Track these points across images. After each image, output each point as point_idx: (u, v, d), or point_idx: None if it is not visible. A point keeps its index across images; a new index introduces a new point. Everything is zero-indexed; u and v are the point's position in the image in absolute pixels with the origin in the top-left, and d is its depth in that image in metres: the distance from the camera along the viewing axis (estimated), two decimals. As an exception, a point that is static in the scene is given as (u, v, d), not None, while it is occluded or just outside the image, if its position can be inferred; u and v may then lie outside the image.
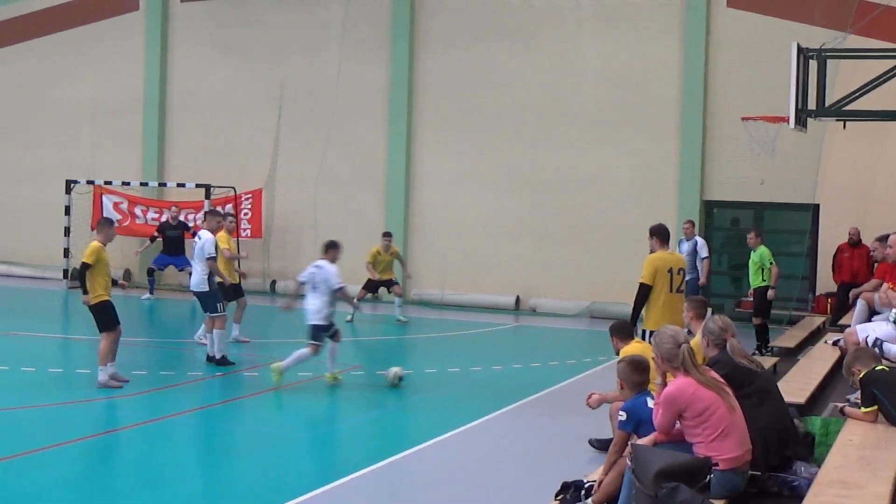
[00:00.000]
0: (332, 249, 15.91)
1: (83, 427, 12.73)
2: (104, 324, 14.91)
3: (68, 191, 28.95)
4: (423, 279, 26.82)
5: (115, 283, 15.53)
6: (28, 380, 15.55)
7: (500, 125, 26.16)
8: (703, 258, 21.19)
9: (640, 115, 25.00)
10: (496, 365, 18.05)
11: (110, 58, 30.80)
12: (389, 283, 23.76)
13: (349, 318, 22.23)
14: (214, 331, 16.98)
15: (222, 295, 17.80)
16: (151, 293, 26.57)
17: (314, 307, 15.74)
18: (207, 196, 27.59)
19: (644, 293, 13.39)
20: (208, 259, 16.89)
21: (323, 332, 15.63)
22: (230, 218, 20.72)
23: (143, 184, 29.24)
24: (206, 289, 16.94)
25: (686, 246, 21.29)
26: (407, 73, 26.94)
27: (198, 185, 27.83)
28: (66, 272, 28.93)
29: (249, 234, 28.25)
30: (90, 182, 29.41)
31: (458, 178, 26.57)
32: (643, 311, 13.51)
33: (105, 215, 29.00)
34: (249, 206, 28.17)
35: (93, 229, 29.12)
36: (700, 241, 21.50)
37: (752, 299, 19.77)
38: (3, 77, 32.53)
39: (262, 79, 28.78)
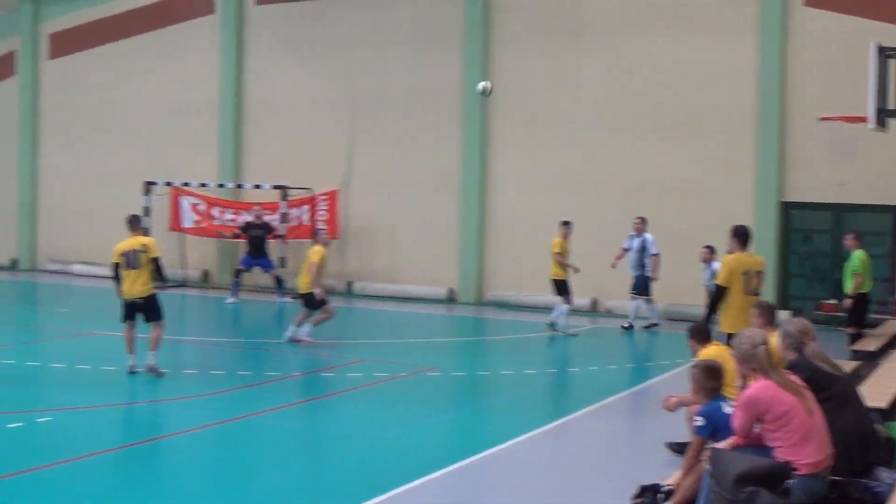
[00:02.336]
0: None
1: (161, 426, 12.87)
2: (160, 313, 16.18)
3: (147, 192, 29.31)
4: (498, 281, 26.78)
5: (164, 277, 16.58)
6: (109, 379, 15.77)
7: (575, 126, 26.03)
8: (652, 254, 22.42)
9: (715, 116, 24.74)
10: (572, 367, 17.99)
11: (187, 60, 31.15)
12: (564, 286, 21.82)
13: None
14: None
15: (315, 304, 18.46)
16: (235, 296, 26.54)
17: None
18: (284, 197, 27.77)
19: (719, 295, 13.29)
20: None
21: None
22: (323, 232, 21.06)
23: (220, 185, 29.52)
24: None
25: (635, 242, 22.51)
26: (480, 73, 26.87)
27: (274, 187, 28.03)
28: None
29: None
30: (168, 183, 29.75)
31: (533, 179, 26.48)
32: (719, 314, 13.40)
33: (183, 216, 29.41)
34: (326, 208, 28.29)
35: (172, 230, 29.70)
36: (649, 237, 22.55)
37: (836, 302, 19.70)
38: (83, 80, 33.05)
39: (336, 80, 28.91)
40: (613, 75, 25.67)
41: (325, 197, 28.31)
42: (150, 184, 29.42)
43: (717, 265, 21.19)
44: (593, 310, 25.53)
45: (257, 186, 28.58)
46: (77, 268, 32.37)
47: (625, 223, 25.01)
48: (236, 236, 27.18)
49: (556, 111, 26.22)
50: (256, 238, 26.78)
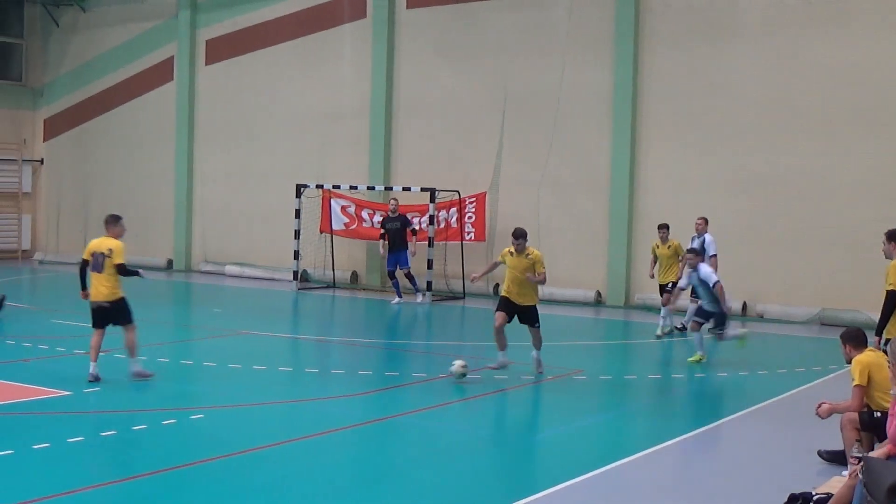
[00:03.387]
0: None
1: (310, 424, 13.03)
2: (130, 316, 15.38)
3: (298, 194, 29.76)
4: (646, 284, 26.46)
5: (136, 273, 15.68)
6: (260, 378, 16.05)
7: (727, 127, 25.60)
8: (710, 255, 21.09)
9: (872, 115, 24.04)
10: (722, 372, 17.71)
11: (339, 64, 31.57)
12: (665, 288, 21.69)
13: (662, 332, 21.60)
14: None
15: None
16: (399, 296, 26.78)
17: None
18: (432, 200, 27.90)
19: (894, 301, 12.90)
20: None
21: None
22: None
23: (370, 188, 29.80)
24: None
25: (695, 243, 21.34)
26: (631, 74, 26.62)
27: (423, 189, 28.19)
28: (295, 273, 29.78)
29: (473, 238, 28.45)
30: (319, 186, 30.18)
31: (683, 181, 26.12)
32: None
33: (333, 218, 29.74)
34: (473, 210, 28.35)
35: (322, 231, 30.13)
36: (709, 237, 21.44)
37: None
38: (238, 84, 33.73)
39: (485, 83, 28.96)
40: (766, 75, 25.18)
41: (472, 199, 28.38)
42: (301, 186, 29.87)
43: (708, 237, 21.25)
44: (744, 314, 25.07)
45: (406, 189, 28.77)
46: (230, 269, 33.04)
47: (777, 225, 24.61)
48: (382, 237, 27.26)
49: (706, 112, 25.83)
50: (392, 231, 26.92)
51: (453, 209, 28.49)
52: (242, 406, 14.09)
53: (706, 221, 21.92)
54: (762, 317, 24.84)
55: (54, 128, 38.93)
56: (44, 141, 39.18)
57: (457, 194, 28.41)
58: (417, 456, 11.82)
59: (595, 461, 11.36)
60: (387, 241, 26.96)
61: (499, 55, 28.70)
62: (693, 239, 21.57)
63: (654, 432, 13.00)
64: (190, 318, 25.56)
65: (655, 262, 22.18)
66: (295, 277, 29.94)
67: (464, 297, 27.93)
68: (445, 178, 28.82)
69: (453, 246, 28.63)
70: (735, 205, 25.35)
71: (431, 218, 27.83)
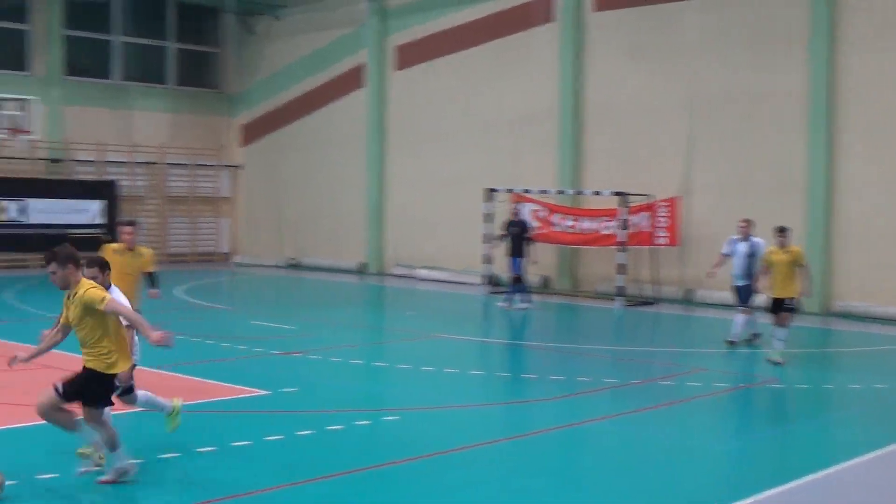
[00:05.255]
0: None
1: (503, 428, 13.03)
2: None
3: (488, 199, 29.83)
4: (847, 291, 25.69)
5: None
6: (452, 381, 16.12)
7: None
8: (742, 258, 20.01)
9: None
10: (928, 382, 17.07)
11: (528, 68, 31.58)
12: (780, 304, 18.48)
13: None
14: None
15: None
16: (527, 302, 26.34)
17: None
18: (624, 204, 27.62)
19: None
20: None
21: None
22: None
23: (560, 192, 29.69)
24: None
25: (742, 247, 20.21)
26: (826, 75, 25.85)
27: (614, 193, 27.92)
28: (486, 277, 29.87)
29: (666, 242, 28.05)
30: (509, 190, 30.20)
31: (885, 183, 25.25)
32: None
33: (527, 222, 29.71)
34: (666, 214, 27.94)
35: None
36: (760, 241, 20.15)
37: None
38: (427, 89, 34.08)
39: (675, 85, 28.55)
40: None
41: (665, 204, 27.97)
42: (491, 191, 29.95)
43: (758, 241, 19.79)
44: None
45: (596, 193, 28.58)
46: (421, 272, 33.36)
47: None
48: (502, 238, 26.89)
49: (909, 112, 24.94)
50: (513, 236, 26.53)
51: (645, 213, 28.12)
52: (435, 409, 14.17)
53: (749, 223, 20.71)
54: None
55: (250, 134, 40.02)
56: (240, 147, 40.26)
57: (648, 198, 28.04)
58: (613, 462, 11.70)
59: (787, 473, 11.01)
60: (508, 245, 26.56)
61: (690, 55, 28.27)
62: (733, 241, 20.64)
63: (851, 444, 12.54)
64: (383, 320, 25.88)
65: (768, 272, 18.69)
66: (485, 281, 30.05)
67: (655, 303, 27.61)
68: (637, 181, 28.50)
69: (646, 251, 28.30)
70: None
71: (624, 222, 27.53)
